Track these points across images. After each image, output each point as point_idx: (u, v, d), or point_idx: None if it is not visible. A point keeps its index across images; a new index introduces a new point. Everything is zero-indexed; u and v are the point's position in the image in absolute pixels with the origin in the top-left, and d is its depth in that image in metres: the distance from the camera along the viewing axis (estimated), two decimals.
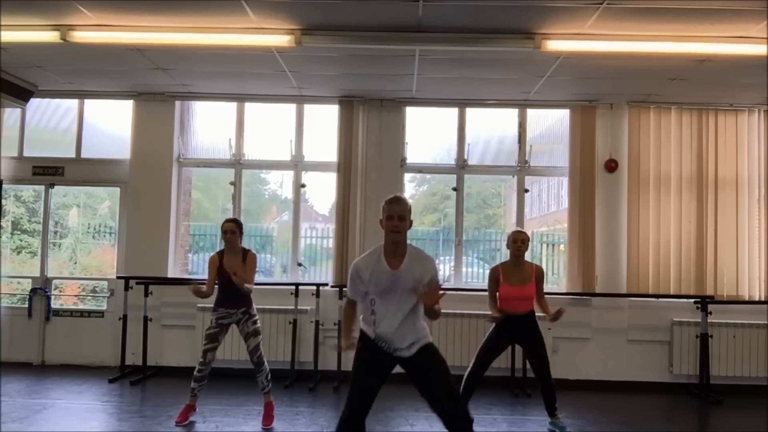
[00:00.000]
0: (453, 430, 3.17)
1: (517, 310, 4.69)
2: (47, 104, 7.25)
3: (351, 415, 3.22)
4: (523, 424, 5.11)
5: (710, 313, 6.24)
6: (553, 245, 7.09)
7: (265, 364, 4.91)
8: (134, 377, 6.26)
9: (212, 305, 4.96)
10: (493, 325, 4.77)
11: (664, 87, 6.19)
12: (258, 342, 4.88)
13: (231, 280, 4.71)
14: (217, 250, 5.08)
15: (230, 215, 6.76)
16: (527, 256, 4.91)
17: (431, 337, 3.36)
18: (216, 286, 4.91)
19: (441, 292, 3.22)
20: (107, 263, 7.34)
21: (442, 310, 3.26)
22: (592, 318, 6.66)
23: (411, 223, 3.29)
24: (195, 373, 4.87)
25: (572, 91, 6.49)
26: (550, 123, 7.28)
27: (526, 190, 6.95)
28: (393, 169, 6.85)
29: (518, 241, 4.76)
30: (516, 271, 4.77)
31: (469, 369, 4.76)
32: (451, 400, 3.21)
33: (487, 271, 6.95)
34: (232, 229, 4.91)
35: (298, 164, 7.08)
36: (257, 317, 4.94)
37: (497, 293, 4.78)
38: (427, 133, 7.18)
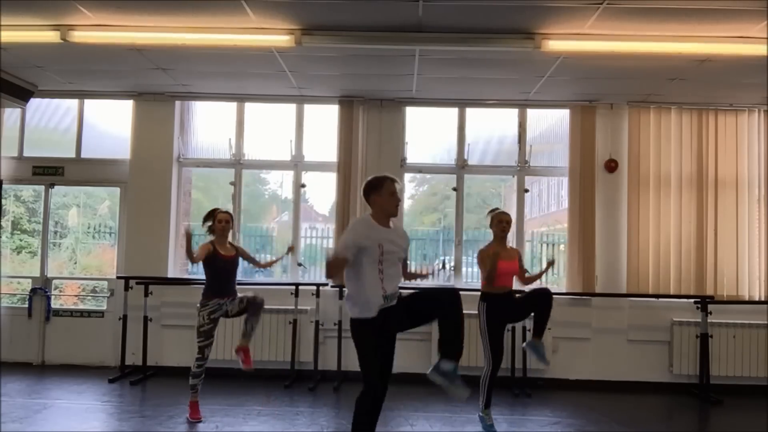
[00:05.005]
0: (446, 313, 3.41)
1: (507, 285, 4.85)
2: (47, 104, 7.25)
3: (382, 371, 3.43)
4: (523, 424, 5.11)
5: (710, 313, 6.23)
6: (553, 245, 7.09)
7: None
8: (134, 377, 6.26)
9: (200, 299, 4.92)
10: (484, 316, 4.78)
11: (664, 87, 6.19)
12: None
13: (225, 268, 4.91)
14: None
15: None
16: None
17: None
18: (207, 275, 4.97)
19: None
20: (107, 263, 7.33)
21: None
22: (592, 318, 6.65)
23: None
24: (194, 369, 4.88)
25: (572, 91, 6.49)
26: (550, 123, 7.28)
27: (526, 190, 6.95)
28: (393, 169, 6.80)
29: (503, 222, 4.90)
30: (504, 247, 4.93)
31: (490, 367, 4.79)
32: (438, 295, 3.54)
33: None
34: (227, 218, 5.02)
35: (298, 164, 7.08)
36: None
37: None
38: (427, 133, 7.18)
